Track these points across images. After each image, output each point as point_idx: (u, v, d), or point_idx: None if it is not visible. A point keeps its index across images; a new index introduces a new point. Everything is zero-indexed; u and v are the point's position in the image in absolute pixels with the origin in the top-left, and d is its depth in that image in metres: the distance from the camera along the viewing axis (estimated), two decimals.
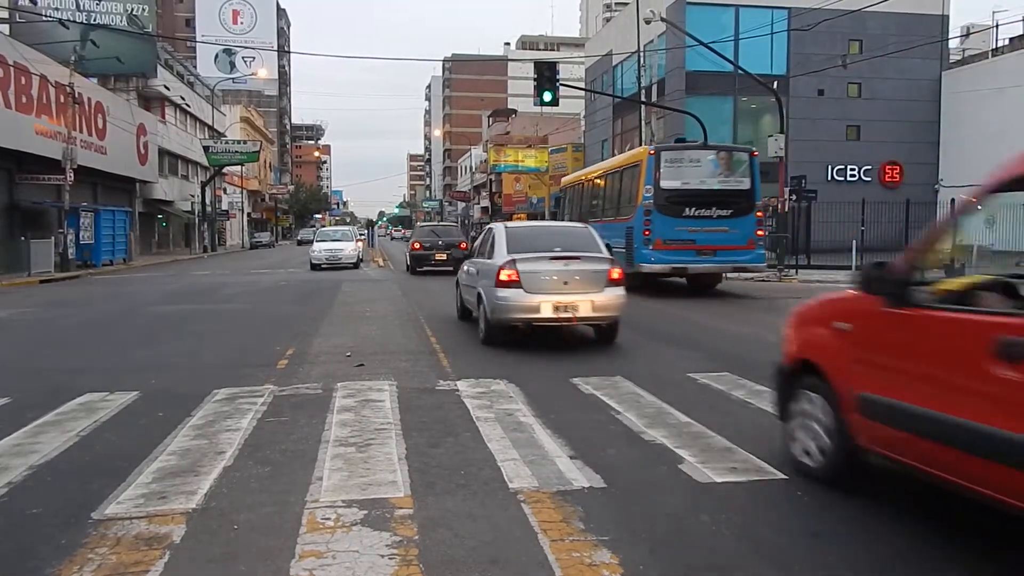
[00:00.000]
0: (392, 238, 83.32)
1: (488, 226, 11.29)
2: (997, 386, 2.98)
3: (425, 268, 22.55)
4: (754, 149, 16.11)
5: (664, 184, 14.62)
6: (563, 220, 21.31)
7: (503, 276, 8.80)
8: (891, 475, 4.01)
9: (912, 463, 3.60)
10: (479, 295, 9.51)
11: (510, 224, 11.06)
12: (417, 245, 23.40)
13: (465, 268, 11.11)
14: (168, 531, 3.54)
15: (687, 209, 14.42)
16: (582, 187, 21.10)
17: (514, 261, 8.82)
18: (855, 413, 3.88)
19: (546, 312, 8.67)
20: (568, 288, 8.71)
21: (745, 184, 14.94)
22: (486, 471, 4.39)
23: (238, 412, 5.80)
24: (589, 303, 8.67)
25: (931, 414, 3.33)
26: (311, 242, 46.84)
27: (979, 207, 4.18)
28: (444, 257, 20.13)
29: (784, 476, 4.29)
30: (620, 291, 8.97)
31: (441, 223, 33.61)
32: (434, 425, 5.43)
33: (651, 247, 14.31)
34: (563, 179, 25.62)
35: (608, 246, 9.22)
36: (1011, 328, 2.99)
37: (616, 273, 8.98)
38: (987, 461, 3.07)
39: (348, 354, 8.47)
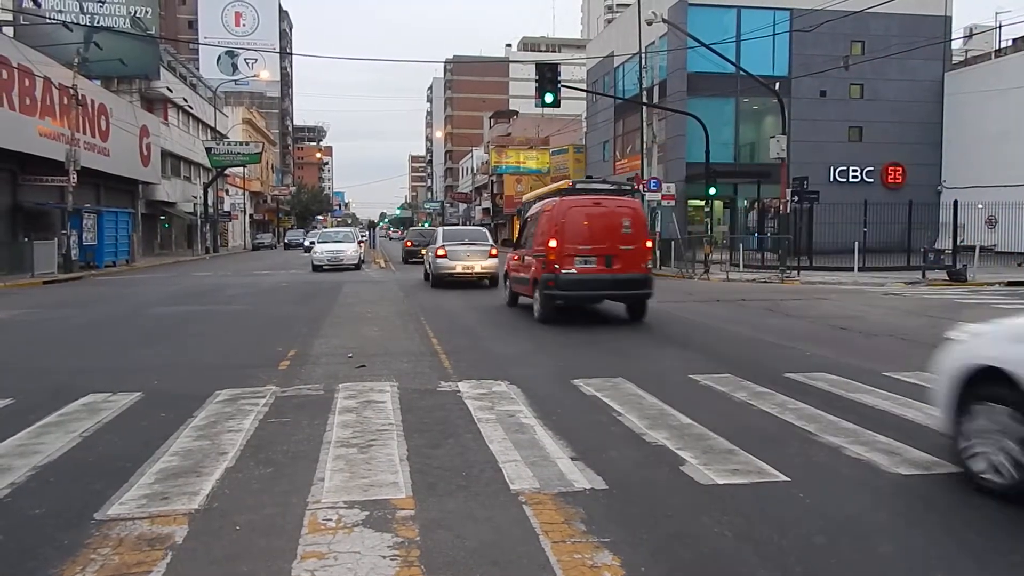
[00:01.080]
0: (390, 238, 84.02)
1: (435, 228, 24.08)
2: (525, 267, 12.57)
3: (413, 260, 30.17)
4: (634, 185, 24.57)
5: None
6: (524, 228, 31.90)
7: (439, 252, 18.24)
8: None
9: (518, 291, 13.33)
10: (429, 263, 19.54)
11: (444, 227, 23.03)
12: (409, 244, 32.75)
13: (427, 251, 21.26)
14: (170, 532, 3.55)
15: None
16: (532, 204, 32.59)
17: (444, 245, 18.34)
18: (510, 283, 13.90)
19: (458, 269, 18.05)
20: (469, 258, 18.09)
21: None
22: (487, 472, 4.40)
23: (240, 413, 5.81)
24: (479, 266, 18.12)
25: (519, 276, 12.99)
26: (300, 246, 45.81)
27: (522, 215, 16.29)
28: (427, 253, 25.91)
29: (786, 478, 4.29)
30: (495, 261, 18.06)
31: (428, 228, 44.37)
32: (435, 426, 5.43)
33: None
34: (523, 197, 33.88)
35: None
36: (527, 254, 12.69)
37: (494, 251, 18.51)
38: (525, 285, 12.45)
39: (350, 355, 8.48)
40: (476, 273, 18.19)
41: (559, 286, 11.18)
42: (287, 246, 58.61)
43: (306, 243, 45.60)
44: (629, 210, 11.70)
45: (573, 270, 11.15)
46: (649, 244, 12.20)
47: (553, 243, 11.23)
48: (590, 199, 12.32)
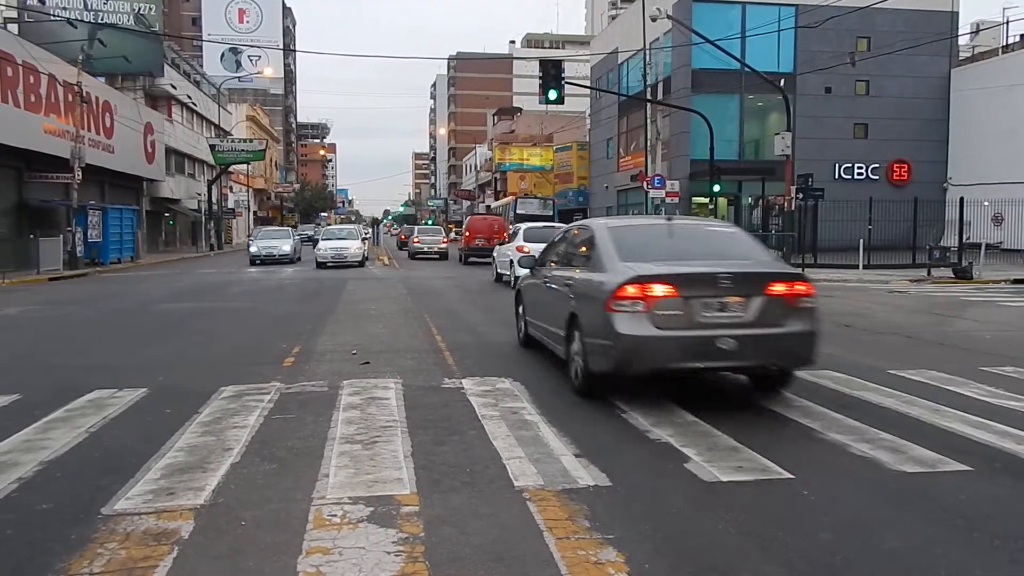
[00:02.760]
0: (392, 235, 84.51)
1: (411, 227, 48.02)
2: (460, 243, 31.22)
3: (404, 248, 39.65)
4: (555, 199, 41.77)
5: (519, 211, 35.32)
6: (462, 227, 39.34)
7: (415, 240, 34.07)
8: None
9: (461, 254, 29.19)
10: (409, 246, 35.10)
11: (418, 227, 43.12)
12: (402, 236, 45.99)
13: (402, 238, 45.60)
14: (176, 527, 3.56)
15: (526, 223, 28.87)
16: (503, 209, 44.16)
17: (417, 235, 34.63)
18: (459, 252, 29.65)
19: (424, 248, 32.65)
20: (431, 243, 32.98)
21: (550, 213, 36.10)
22: (491, 469, 4.40)
23: (245, 409, 5.82)
24: (436, 247, 32.64)
25: (459, 248, 30.93)
26: (249, 248, 29.64)
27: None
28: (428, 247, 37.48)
29: (790, 475, 4.29)
30: (446, 244, 33.36)
31: (416, 224, 58.02)
32: (440, 423, 5.44)
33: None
34: (491, 205, 52.26)
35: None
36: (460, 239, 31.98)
37: (445, 240, 33.91)
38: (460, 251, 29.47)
39: (354, 352, 8.50)
40: (434, 251, 32.53)
41: (468, 251, 27.51)
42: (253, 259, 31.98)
43: (253, 248, 29.64)
44: (496, 220, 29.29)
45: (475, 245, 26.96)
46: (505, 234, 23.11)
47: (467, 233, 28.30)
48: (483, 216, 34.73)
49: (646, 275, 5.63)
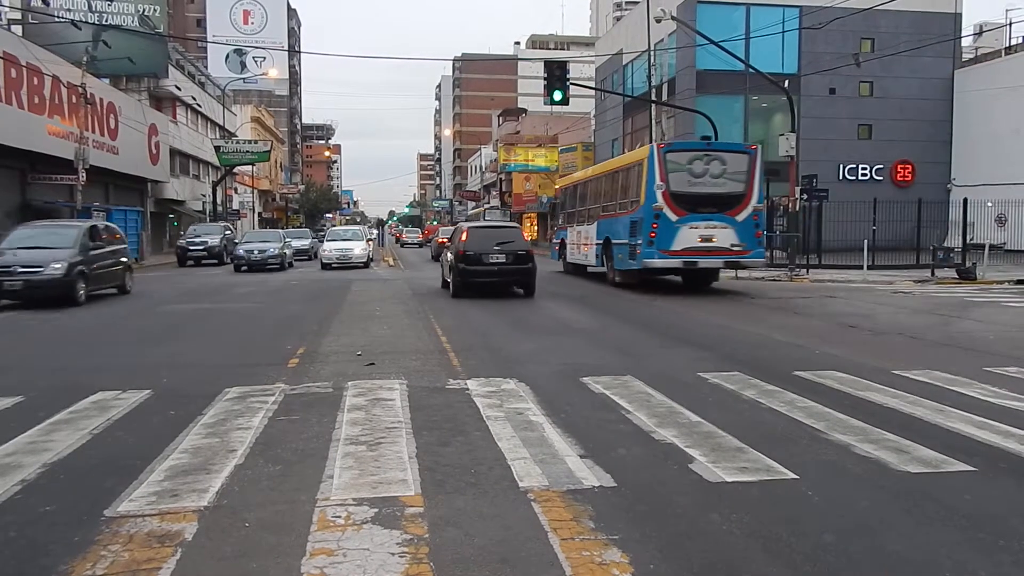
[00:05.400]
0: (392, 234, 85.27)
1: (402, 227, 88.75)
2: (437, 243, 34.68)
3: (399, 242, 59.27)
4: (512, 222, 43.11)
5: (487, 218, 49.85)
6: (434, 234, 44.82)
7: (403, 236, 64.49)
8: None
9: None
10: (400, 240, 64.49)
11: (406, 228, 78.29)
12: (398, 235, 67.23)
13: (397, 236, 72.15)
14: (180, 528, 3.57)
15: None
16: (477, 217, 62.45)
17: (404, 232, 69.44)
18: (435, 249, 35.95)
19: (409, 240, 59.78)
20: (412, 237, 60.76)
21: (507, 219, 48.26)
22: (496, 470, 4.40)
23: (249, 411, 5.83)
24: (415, 239, 59.23)
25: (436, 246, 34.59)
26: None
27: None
28: (411, 240, 56.43)
29: (795, 476, 4.28)
30: (422, 238, 58.58)
31: (419, 226, 79.41)
32: (444, 424, 5.44)
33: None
34: (471, 212, 71.36)
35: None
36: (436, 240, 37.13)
37: (421, 235, 61.39)
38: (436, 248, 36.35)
39: (359, 353, 8.50)
40: (415, 242, 56.72)
41: (425, 240, 52.63)
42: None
43: None
44: (441, 226, 45.50)
45: (428, 239, 46.77)
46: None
47: (426, 232, 60.16)
48: (437, 224, 60.16)
49: (440, 234, 32.38)
